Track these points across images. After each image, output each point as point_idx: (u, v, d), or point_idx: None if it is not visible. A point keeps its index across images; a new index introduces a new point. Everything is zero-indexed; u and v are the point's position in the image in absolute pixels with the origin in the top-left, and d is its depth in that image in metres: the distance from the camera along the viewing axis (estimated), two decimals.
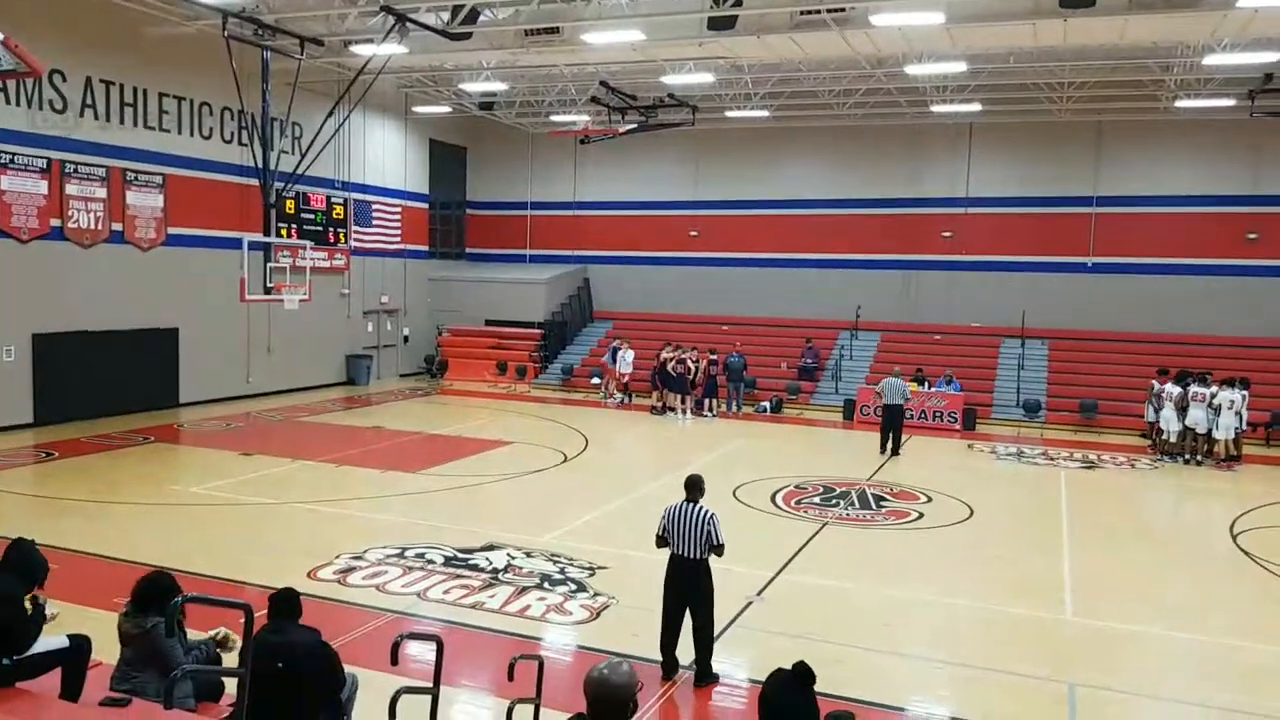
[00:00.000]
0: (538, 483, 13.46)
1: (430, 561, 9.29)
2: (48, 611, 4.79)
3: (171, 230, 18.50)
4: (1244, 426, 16.36)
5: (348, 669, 4.82)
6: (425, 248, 26.84)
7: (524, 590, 8.55)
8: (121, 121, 17.43)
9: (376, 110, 23.57)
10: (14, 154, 15.56)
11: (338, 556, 9.31)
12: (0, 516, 10.38)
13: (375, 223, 24.34)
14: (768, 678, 3.30)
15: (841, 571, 9.69)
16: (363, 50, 17.49)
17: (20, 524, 7.93)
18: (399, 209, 25.24)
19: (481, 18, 16.38)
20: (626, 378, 21.83)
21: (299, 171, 18.15)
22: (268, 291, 17.33)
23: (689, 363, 20.53)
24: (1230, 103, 19.71)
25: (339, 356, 23.34)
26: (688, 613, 6.74)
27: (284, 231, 20.01)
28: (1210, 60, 16.78)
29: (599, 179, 27.07)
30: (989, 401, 20.88)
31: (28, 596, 4.62)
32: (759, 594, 8.64)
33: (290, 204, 20.63)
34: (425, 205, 26.72)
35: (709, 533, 6.66)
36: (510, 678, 5.25)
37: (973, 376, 21.21)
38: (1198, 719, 6.66)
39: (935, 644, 7.80)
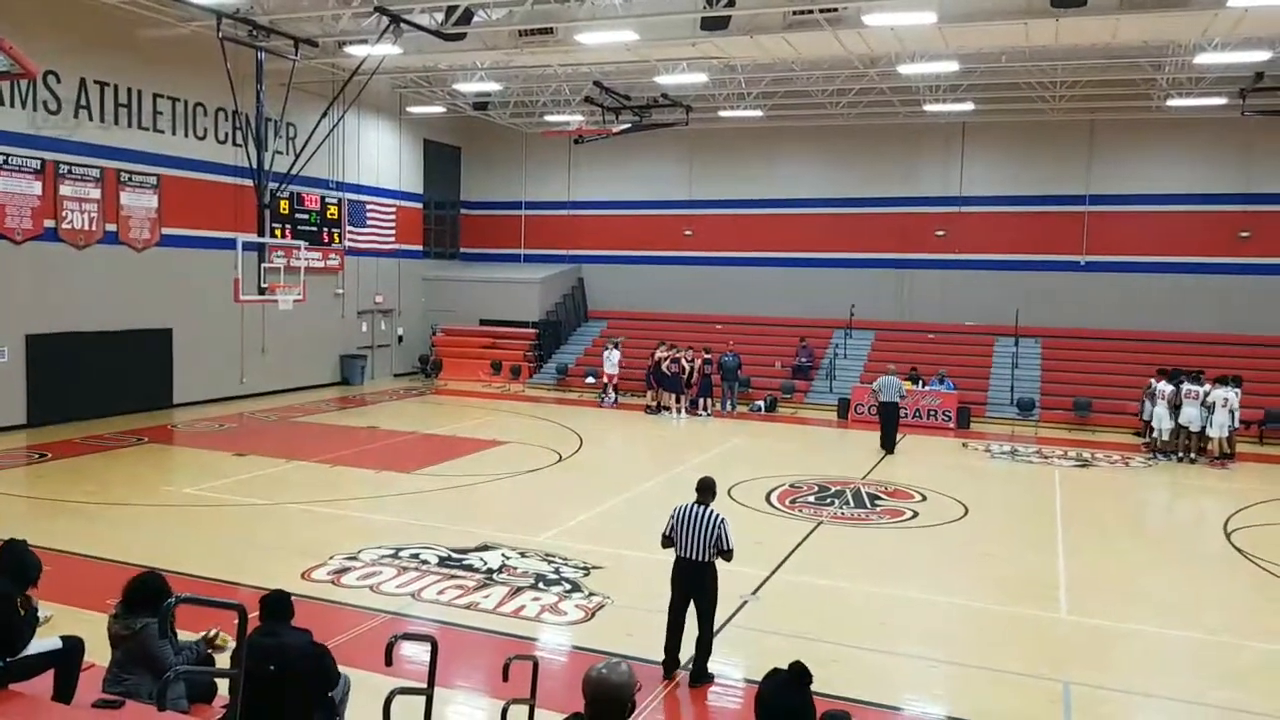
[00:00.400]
0: (532, 482, 13.46)
1: (425, 562, 9.28)
2: (41, 614, 4.78)
3: (166, 231, 18.45)
4: (1237, 424, 16.43)
5: (342, 670, 4.81)
6: (420, 247, 26.81)
7: (519, 590, 8.54)
8: (116, 122, 17.38)
9: (371, 110, 23.54)
10: (8, 155, 15.51)
11: (332, 557, 9.29)
12: None
13: (370, 223, 24.30)
14: (764, 677, 3.31)
15: (836, 570, 9.70)
16: (357, 51, 17.46)
17: (13, 525, 7.89)
18: (393, 209, 25.20)
19: (476, 18, 16.36)
20: (614, 378, 21.81)
21: (293, 172, 18.11)
22: (262, 292, 17.28)
23: (684, 362, 20.53)
24: (1222, 101, 19.79)
25: (333, 356, 23.30)
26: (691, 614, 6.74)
27: (278, 232, 19.96)
28: (1201, 59, 16.84)
29: (593, 179, 27.07)
30: (983, 400, 20.92)
31: (20, 597, 4.61)
32: (754, 593, 8.65)
33: (285, 204, 20.58)
34: (420, 205, 26.69)
35: (719, 536, 6.64)
36: (505, 678, 5.26)
37: (967, 375, 21.24)
38: (1192, 716, 6.69)
39: (930, 643, 7.82)
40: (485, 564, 9.27)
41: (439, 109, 24.77)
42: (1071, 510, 12.64)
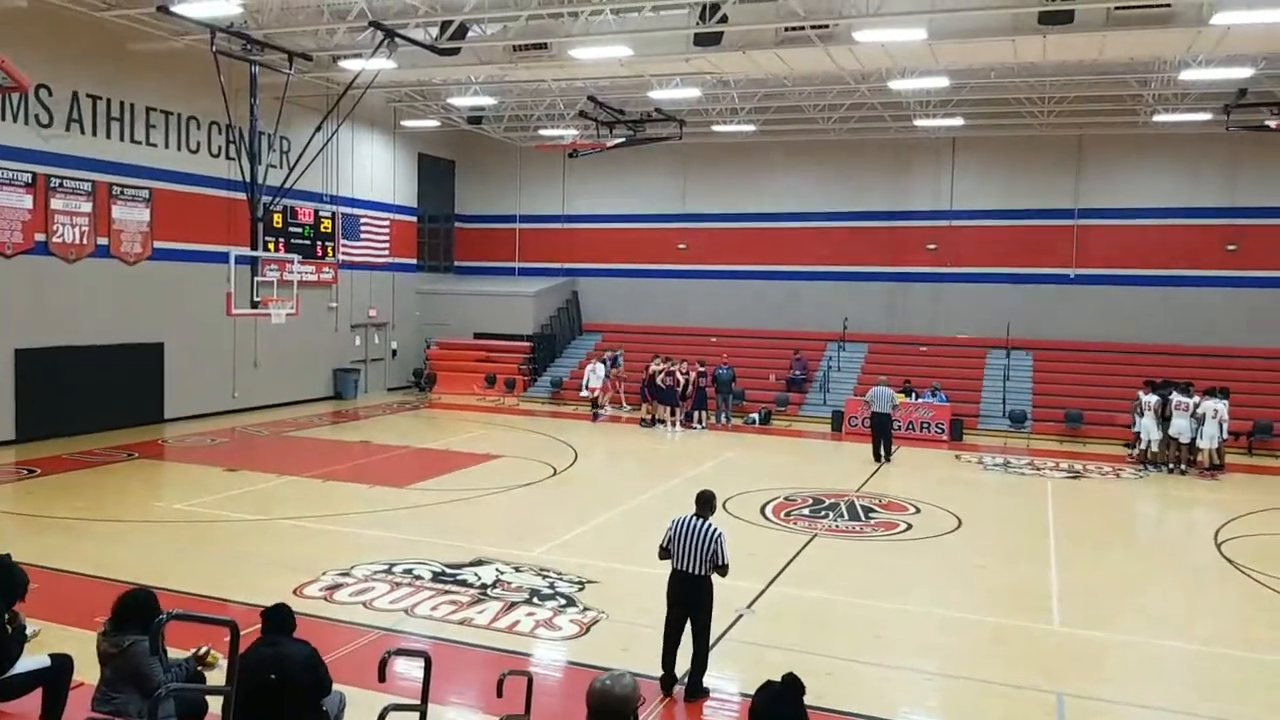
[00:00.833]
0: (526, 497, 13.42)
1: (418, 577, 9.23)
2: (28, 629, 4.74)
3: (157, 244, 18.40)
4: (1226, 436, 16.52)
5: (336, 687, 4.78)
6: (414, 261, 26.80)
7: (513, 605, 8.50)
8: (108, 136, 17.37)
9: (365, 124, 23.59)
10: None
11: (324, 573, 9.24)
12: None
13: (363, 236, 24.29)
14: (758, 690, 3.31)
15: (831, 583, 9.70)
16: (351, 65, 17.51)
17: (1, 541, 7.82)
18: (387, 222, 25.21)
19: (470, 34, 16.44)
20: (596, 392, 21.75)
21: (287, 185, 18.11)
22: (254, 306, 17.23)
23: (678, 375, 20.55)
24: (1207, 117, 20.01)
25: (326, 371, 23.23)
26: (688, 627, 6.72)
27: (271, 245, 19.94)
28: (1186, 75, 17.06)
29: (587, 192, 27.15)
30: (975, 412, 21.00)
31: (7, 613, 4.57)
32: (749, 607, 8.63)
33: (278, 218, 20.57)
34: (414, 218, 26.70)
35: (715, 551, 6.64)
36: (499, 694, 5.23)
37: (959, 387, 21.32)
38: None
39: (924, 655, 7.81)
40: (479, 579, 9.23)
41: (433, 123, 24.84)
42: (1064, 522, 12.67)
